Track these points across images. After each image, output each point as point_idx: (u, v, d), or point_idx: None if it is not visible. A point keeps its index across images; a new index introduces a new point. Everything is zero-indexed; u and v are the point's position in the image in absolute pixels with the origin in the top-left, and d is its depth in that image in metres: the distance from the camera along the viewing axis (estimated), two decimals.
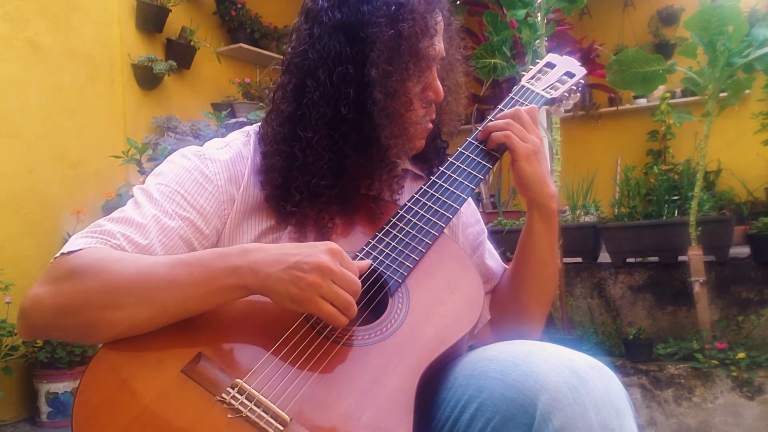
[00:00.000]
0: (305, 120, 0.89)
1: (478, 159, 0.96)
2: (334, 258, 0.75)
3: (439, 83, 0.96)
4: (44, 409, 2.66)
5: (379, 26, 0.87)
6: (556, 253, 1.00)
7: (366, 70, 0.87)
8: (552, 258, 0.99)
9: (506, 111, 0.98)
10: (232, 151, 0.96)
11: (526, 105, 1.01)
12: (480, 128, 0.99)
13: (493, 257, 1.10)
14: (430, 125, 0.98)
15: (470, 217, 1.09)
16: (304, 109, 0.90)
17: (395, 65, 0.87)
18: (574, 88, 1.08)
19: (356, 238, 0.89)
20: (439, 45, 0.94)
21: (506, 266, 1.09)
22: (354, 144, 0.90)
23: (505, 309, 1.04)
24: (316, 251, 0.75)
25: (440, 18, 0.94)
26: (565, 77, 1.08)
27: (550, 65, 1.10)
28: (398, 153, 0.91)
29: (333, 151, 0.89)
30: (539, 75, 1.09)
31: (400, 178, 0.96)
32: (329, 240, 0.85)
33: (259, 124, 1.00)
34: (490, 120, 0.99)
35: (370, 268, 0.83)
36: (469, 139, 0.99)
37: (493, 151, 0.97)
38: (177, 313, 0.76)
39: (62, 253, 0.81)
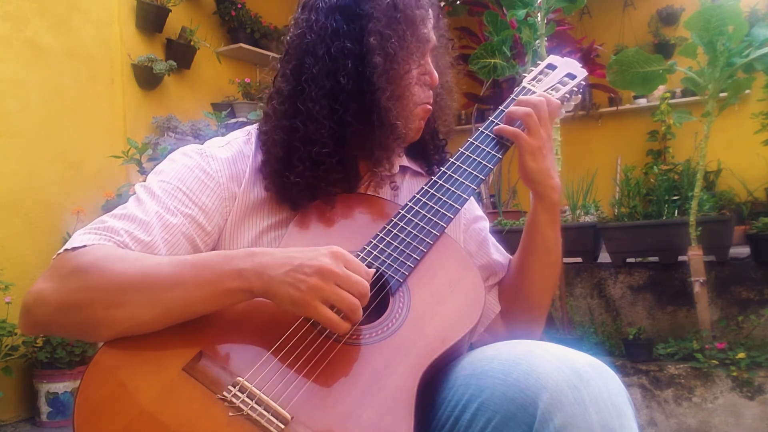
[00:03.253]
0: (305, 94, 0.91)
1: (479, 159, 0.96)
2: (336, 261, 0.75)
3: (433, 68, 0.98)
4: (44, 409, 2.66)
5: (374, 0, 0.91)
6: (560, 241, 1.01)
7: (364, 41, 0.90)
8: (556, 246, 1.01)
9: (531, 98, 0.98)
10: (234, 150, 0.97)
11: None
12: (492, 117, 1.01)
13: (498, 250, 1.11)
14: (429, 107, 1.00)
15: (471, 213, 1.09)
16: (303, 85, 0.92)
17: (393, 30, 0.91)
18: (576, 89, 1.08)
19: (358, 237, 0.88)
20: (431, 33, 0.97)
21: (511, 257, 1.10)
22: (354, 112, 0.91)
23: (512, 298, 1.05)
24: (318, 254, 0.75)
25: (430, 9, 0.98)
26: (566, 79, 1.08)
27: (551, 67, 1.10)
28: (398, 115, 0.92)
29: (333, 120, 0.91)
30: (540, 77, 1.09)
31: (399, 148, 0.97)
32: (332, 236, 0.85)
33: (260, 123, 1.00)
34: (512, 100, 1.01)
35: (374, 275, 0.82)
36: (470, 140, 0.99)
37: (503, 140, 0.98)
38: (180, 314, 0.76)
39: (66, 249, 0.80)
